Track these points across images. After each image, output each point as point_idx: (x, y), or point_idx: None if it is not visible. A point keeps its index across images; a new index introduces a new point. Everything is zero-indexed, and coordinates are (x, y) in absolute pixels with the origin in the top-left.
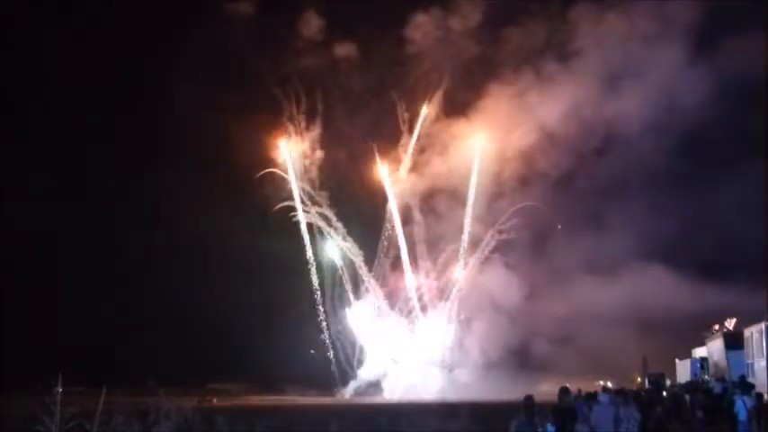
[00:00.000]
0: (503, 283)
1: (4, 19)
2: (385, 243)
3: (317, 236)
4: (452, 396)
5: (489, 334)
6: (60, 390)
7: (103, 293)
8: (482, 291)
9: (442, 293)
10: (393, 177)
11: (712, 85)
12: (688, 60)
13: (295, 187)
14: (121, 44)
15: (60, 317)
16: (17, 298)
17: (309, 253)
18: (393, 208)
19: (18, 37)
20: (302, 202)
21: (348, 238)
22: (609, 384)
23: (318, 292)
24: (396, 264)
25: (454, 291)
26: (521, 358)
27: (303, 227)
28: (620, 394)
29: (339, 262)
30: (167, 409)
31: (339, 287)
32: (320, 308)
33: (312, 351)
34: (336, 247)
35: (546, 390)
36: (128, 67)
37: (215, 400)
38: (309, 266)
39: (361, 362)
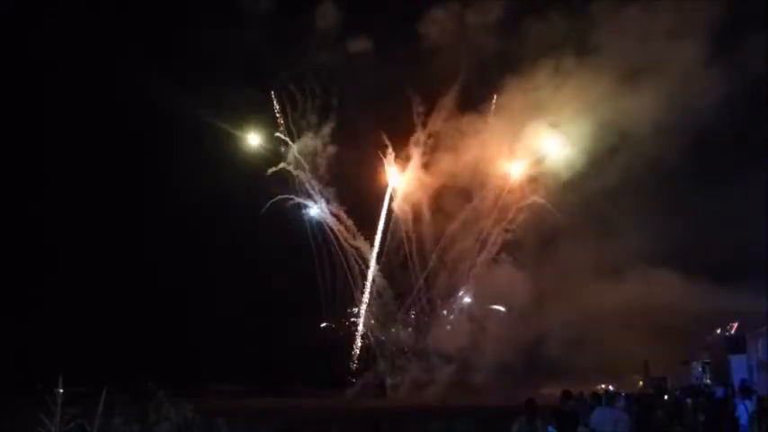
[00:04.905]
0: (511, 284)
1: None
2: (394, 241)
3: (328, 233)
4: (458, 399)
5: (498, 336)
6: (61, 390)
7: (104, 293)
8: (491, 291)
9: (452, 293)
10: (405, 174)
11: (728, 86)
12: (704, 60)
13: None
14: (129, 41)
15: (60, 316)
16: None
17: (318, 251)
18: (397, 207)
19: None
20: (312, 199)
21: (359, 236)
22: (611, 388)
23: (326, 292)
24: (405, 262)
25: (463, 290)
26: (529, 361)
27: (310, 225)
28: (612, 398)
29: (348, 260)
30: (167, 410)
31: (347, 286)
32: (327, 308)
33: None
34: (346, 245)
35: (548, 393)
36: (138, 63)
37: (216, 402)
38: (316, 264)
39: (366, 363)
